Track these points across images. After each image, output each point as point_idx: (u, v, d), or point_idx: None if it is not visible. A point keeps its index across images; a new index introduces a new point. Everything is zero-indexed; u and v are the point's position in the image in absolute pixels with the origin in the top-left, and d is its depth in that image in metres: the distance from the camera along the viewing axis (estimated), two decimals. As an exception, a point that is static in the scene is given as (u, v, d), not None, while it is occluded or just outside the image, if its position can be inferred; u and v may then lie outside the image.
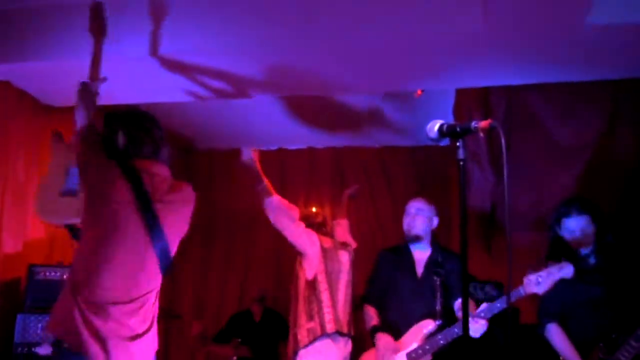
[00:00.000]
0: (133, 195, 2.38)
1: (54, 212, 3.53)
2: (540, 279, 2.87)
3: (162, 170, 2.60)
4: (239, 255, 6.41)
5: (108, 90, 4.28)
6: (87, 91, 2.82)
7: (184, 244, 6.58)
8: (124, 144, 2.56)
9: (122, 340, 2.28)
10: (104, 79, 2.95)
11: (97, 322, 2.24)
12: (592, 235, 3.05)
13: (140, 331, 2.37)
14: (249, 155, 3.55)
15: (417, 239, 3.42)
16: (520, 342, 3.54)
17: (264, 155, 6.46)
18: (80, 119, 2.73)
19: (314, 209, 4.19)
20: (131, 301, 2.34)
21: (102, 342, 2.23)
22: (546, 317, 3.10)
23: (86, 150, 2.53)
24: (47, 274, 4.08)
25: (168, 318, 5.41)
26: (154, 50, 3.73)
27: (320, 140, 6.34)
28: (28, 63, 4.01)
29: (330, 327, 3.38)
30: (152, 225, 2.40)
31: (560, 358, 3.00)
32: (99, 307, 2.26)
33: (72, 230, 3.43)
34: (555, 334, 3.04)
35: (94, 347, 2.21)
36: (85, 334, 2.22)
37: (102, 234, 2.35)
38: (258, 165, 3.58)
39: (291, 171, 6.43)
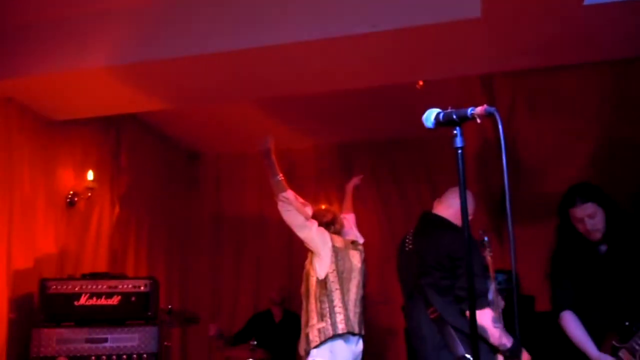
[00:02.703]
0: None
1: None
2: None
3: None
4: (249, 258, 6.43)
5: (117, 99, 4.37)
6: None
7: (194, 247, 6.62)
8: None
9: None
10: None
11: None
12: (602, 221, 2.96)
13: None
14: (268, 144, 3.48)
15: None
16: (536, 330, 3.49)
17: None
18: None
19: (323, 207, 4.15)
20: None
21: None
22: (560, 305, 3.05)
23: None
24: (59, 287, 4.08)
25: (185, 321, 5.42)
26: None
27: (326, 137, 6.33)
28: (29, 78, 4.03)
29: (341, 328, 3.36)
30: None
31: (575, 345, 2.94)
32: None
33: None
34: (569, 322, 2.98)
35: None
36: None
37: None
38: (274, 157, 3.52)
39: (298, 170, 6.42)
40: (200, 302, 6.16)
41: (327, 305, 3.41)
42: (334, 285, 3.44)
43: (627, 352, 2.79)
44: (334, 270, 3.47)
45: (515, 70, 4.26)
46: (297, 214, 3.48)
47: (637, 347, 2.76)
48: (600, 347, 2.88)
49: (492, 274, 3.01)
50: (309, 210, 3.63)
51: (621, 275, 2.93)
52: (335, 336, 3.35)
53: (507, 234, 4.48)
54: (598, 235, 2.98)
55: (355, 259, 3.62)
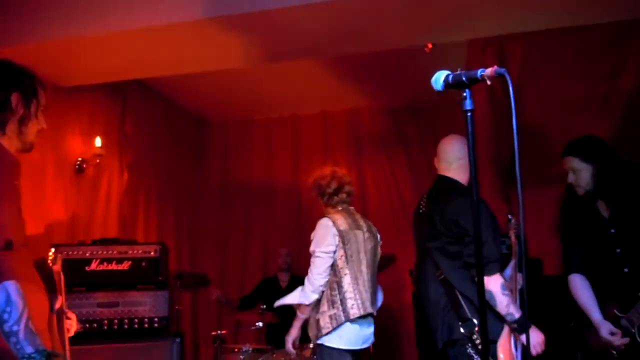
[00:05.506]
0: None
1: None
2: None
3: None
4: (258, 223, 6.46)
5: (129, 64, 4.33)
6: None
7: (203, 213, 6.60)
8: None
9: None
10: None
11: None
12: (586, 178, 2.88)
13: None
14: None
15: None
16: (543, 293, 3.50)
17: (278, 123, 6.55)
18: None
19: (330, 171, 3.92)
20: None
21: None
22: (569, 268, 3.03)
23: None
24: (70, 253, 4.12)
25: (196, 284, 5.49)
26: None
27: (333, 103, 6.27)
28: (34, 45, 4.00)
29: (353, 313, 3.26)
30: None
31: (581, 308, 2.93)
32: None
33: None
34: (577, 285, 2.96)
35: None
36: None
37: None
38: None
39: (306, 136, 6.40)
40: (209, 268, 6.22)
41: (337, 292, 3.31)
42: (343, 271, 3.32)
43: (627, 322, 2.78)
44: (342, 255, 3.33)
45: (526, 31, 4.17)
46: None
47: (635, 319, 2.74)
48: (602, 314, 2.86)
49: (514, 253, 2.98)
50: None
51: (624, 241, 2.86)
52: (347, 322, 3.26)
53: (515, 198, 4.48)
54: (580, 192, 2.92)
55: (360, 237, 3.44)
